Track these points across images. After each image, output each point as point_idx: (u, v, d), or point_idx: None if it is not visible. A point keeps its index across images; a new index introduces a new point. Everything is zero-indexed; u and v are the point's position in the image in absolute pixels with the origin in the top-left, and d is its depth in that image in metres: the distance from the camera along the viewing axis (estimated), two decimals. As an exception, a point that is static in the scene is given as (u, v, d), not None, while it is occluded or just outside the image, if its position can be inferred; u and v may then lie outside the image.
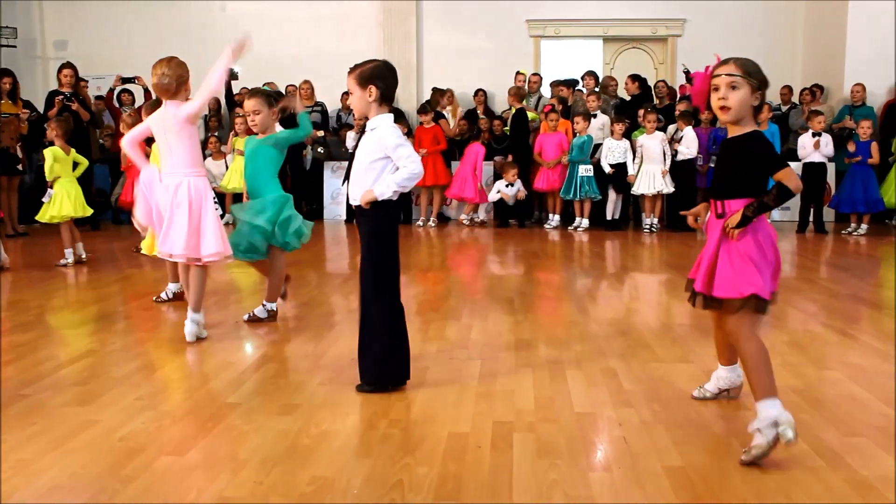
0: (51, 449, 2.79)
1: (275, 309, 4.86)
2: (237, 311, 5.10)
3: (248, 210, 4.73)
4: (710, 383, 3.29)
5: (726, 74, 2.78)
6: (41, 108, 10.38)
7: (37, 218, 7.22)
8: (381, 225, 3.41)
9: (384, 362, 3.42)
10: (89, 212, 7.36)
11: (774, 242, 2.81)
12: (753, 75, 2.79)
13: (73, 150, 7.23)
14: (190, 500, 2.39)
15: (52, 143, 7.22)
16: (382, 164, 3.39)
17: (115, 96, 11.45)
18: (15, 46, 12.20)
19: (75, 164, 7.26)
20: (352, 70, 3.46)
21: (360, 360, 3.48)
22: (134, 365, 3.90)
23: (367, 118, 3.48)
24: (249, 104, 4.75)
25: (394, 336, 3.42)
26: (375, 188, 3.36)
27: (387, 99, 3.46)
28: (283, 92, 11.35)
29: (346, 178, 3.55)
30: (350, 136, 10.57)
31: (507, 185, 10.20)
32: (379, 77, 3.41)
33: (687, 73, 11.21)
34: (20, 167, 9.69)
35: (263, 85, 11.21)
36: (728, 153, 2.88)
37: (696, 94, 2.98)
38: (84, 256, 7.21)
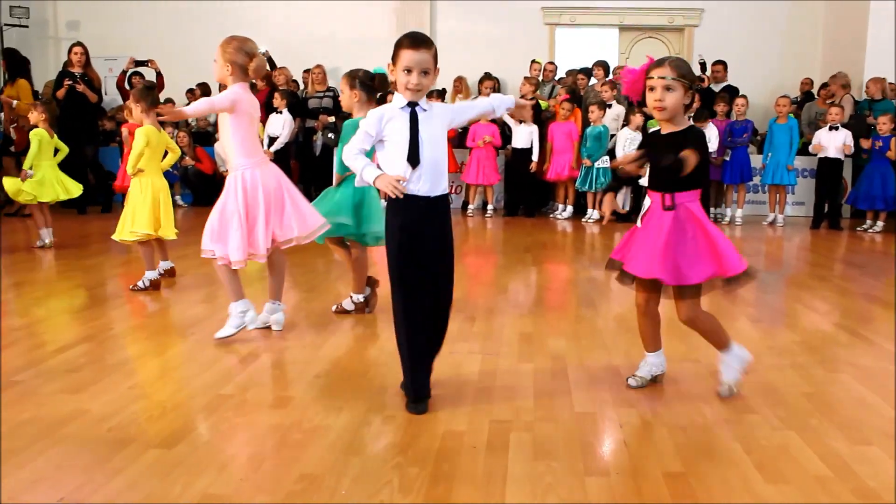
0: (39, 438, 2.74)
1: (361, 300, 4.67)
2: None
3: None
4: (643, 370, 3.38)
5: (660, 77, 2.98)
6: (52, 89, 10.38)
7: (11, 197, 7.26)
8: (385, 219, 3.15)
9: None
10: (74, 194, 7.31)
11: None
12: (687, 76, 3.01)
13: (55, 136, 7.28)
14: (173, 496, 2.32)
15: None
16: None
17: (126, 79, 11.36)
18: (27, 27, 12.17)
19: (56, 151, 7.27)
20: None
21: None
22: (129, 352, 3.84)
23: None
24: (340, 83, 4.52)
25: (398, 334, 3.06)
26: None
27: None
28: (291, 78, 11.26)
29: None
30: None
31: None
32: None
33: (703, 64, 11.04)
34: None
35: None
36: (668, 148, 2.98)
37: (629, 90, 3.15)
38: (49, 242, 7.09)
